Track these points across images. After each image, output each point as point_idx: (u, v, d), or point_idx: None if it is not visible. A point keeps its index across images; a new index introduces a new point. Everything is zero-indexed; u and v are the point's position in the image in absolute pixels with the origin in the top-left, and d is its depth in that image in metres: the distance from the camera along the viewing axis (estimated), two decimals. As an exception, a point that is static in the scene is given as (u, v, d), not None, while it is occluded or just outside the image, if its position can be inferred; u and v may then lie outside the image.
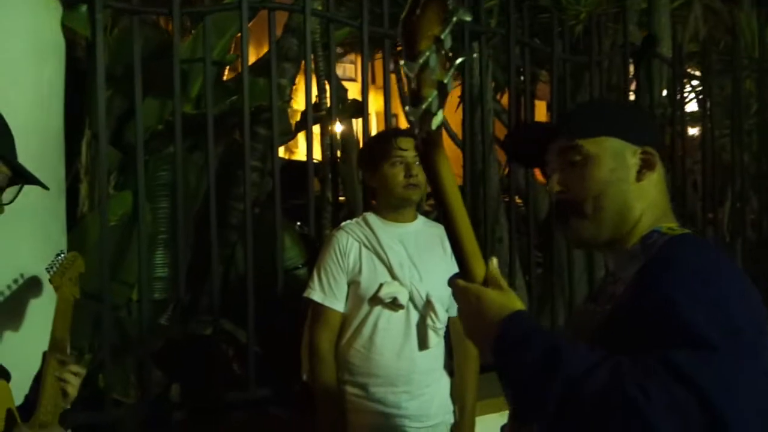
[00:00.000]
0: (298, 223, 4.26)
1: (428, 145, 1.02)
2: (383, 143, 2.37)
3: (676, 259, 1.12)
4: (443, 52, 0.95)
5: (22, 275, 2.17)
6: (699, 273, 1.08)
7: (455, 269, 2.53)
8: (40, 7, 2.36)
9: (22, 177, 1.30)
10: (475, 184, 3.32)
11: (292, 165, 6.05)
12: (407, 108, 0.96)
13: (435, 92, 0.95)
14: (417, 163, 2.30)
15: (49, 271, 1.86)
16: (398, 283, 2.30)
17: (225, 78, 3.84)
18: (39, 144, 2.36)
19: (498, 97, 4.46)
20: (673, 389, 0.95)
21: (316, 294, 2.33)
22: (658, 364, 0.98)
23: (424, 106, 0.95)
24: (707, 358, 0.97)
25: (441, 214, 1.09)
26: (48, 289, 2.01)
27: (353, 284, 2.32)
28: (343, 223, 2.45)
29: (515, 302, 1.10)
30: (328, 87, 3.26)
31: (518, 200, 3.90)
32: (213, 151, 2.68)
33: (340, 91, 4.26)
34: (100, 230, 2.47)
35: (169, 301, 3.27)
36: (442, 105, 0.98)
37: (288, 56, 3.25)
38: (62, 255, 1.96)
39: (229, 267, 3.30)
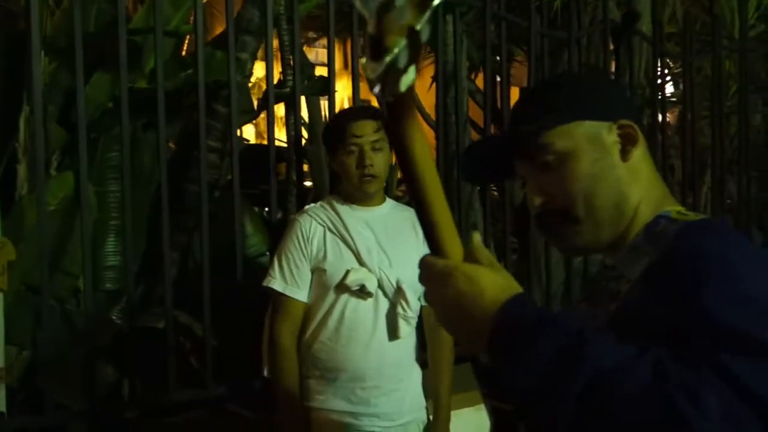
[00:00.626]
0: (266, 209, 4.07)
1: (396, 112, 0.82)
2: (337, 129, 2.21)
3: (704, 253, 0.92)
4: None
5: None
6: (737, 269, 0.89)
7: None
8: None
9: None
10: (448, 167, 3.15)
11: (255, 147, 5.81)
12: (364, 61, 0.75)
13: (404, 41, 0.75)
14: (375, 149, 2.14)
15: (-32, 261, 1.65)
16: (366, 269, 2.15)
17: (184, 53, 3.61)
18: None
19: (472, 76, 4.28)
20: (732, 402, 0.77)
21: (276, 283, 2.17)
22: (708, 370, 0.79)
23: (388, 59, 0.74)
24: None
25: (411, 192, 0.89)
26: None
27: (317, 271, 2.15)
28: (307, 207, 2.30)
29: (515, 283, 0.90)
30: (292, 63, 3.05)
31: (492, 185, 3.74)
32: (164, 129, 2.46)
33: (306, 69, 4.05)
34: (38, 215, 2.24)
35: (121, 292, 3.06)
36: (414, 59, 0.78)
37: (249, 29, 3.02)
38: None
39: (186, 255, 3.08)
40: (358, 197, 2.21)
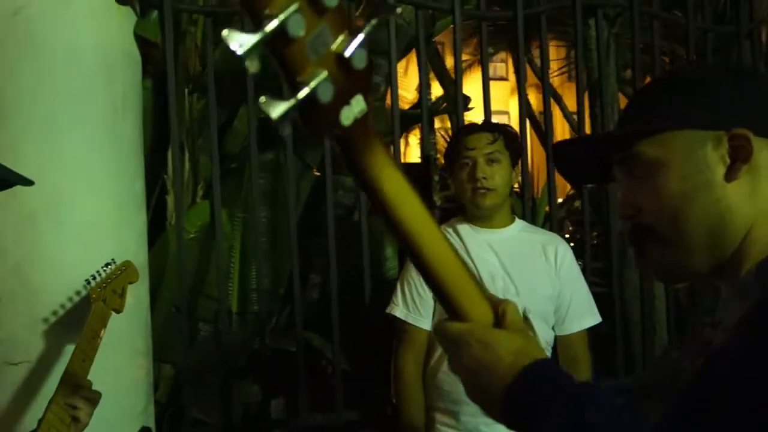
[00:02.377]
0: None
1: (348, 147, 0.71)
2: (454, 142, 2.12)
3: None
4: (324, 7, 0.64)
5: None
6: None
7: (560, 282, 2.18)
8: (111, 18, 2.32)
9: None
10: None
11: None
12: (263, 100, 0.64)
13: (323, 73, 0.64)
14: (490, 160, 2.03)
15: (89, 282, 1.77)
16: None
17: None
18: (115, 156, 2.33)
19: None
20: None
21: (398, 310, 2.13)
22: None
23: (299, 96, 0.64)
24: None
25: (399, 243, 0.78)
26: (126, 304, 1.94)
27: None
28: None
29: (536, 349, 0.79)
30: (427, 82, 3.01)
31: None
32: (292, 157, 2.53)
33: (450, 89, 3.99)
34: (177, 243, 2.39)
35: (270, 314, 3.18)
36: (354, 89, 0.67)
37: (381, 51, 3.03)
38: (110, 264, 1.87)
39: (327, 278, 3.13)
40: (478, 216, 2.10)
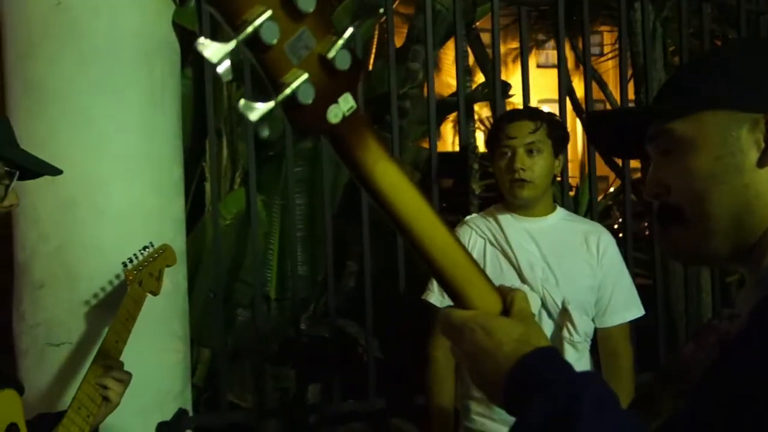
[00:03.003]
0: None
1: (339, 144, 0.71)
2: (494, 131, 2.05)
3: None
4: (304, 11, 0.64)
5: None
6: None
7: (602, 273, 2.09)
8: (150, 7, 2.35)
9: (23, 169, 1.19)
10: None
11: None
12: (242, 103, 0.65)
13: (304, 75, 0.65)
14: (530, 151, 1.95)
15: (126, 265, 1.81)
16: (528, 287, 1.97)
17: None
18: (153, 144, 2.37)
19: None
20: None
21: (433, 296, 2.08)
22: None
23: (279, 98, 0.64)
24: None
25: (399, 235, 0.77)
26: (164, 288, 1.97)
27: None
28: (468, 217, 2.16)
29: (538, 337, 0.77)
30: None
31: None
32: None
33: (490, 73, 3.93)
34: (213, 229, 2.42)
35: (308, 300, 3.20)
36: (339, 89, 0.67)
37: (420, 38, 3.00)
38: (148, 248, 1.90)
39: (363, 266, 3.14)
40: (518, 205, 2.04)
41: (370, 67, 3.47)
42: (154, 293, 1.84)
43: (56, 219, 2.22)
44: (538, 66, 15.41)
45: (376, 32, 3.74)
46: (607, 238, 2.07)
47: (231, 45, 0.61)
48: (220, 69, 0.61)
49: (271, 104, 0.64)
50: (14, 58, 2.28)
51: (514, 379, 0.73)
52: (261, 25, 0.61)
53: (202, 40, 0.61)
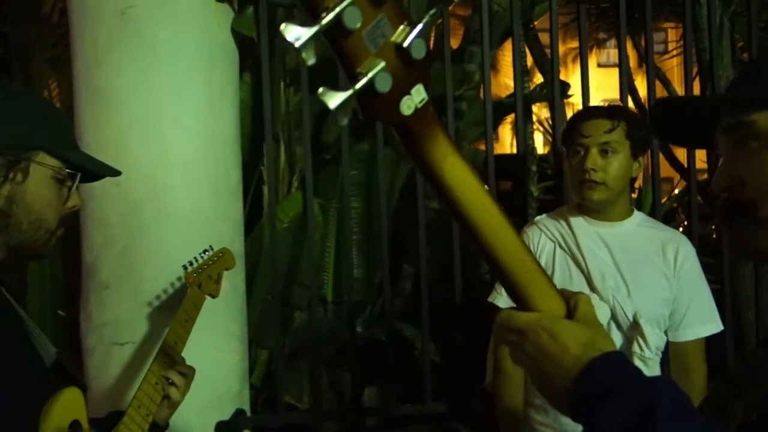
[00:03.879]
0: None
1: (408, 137, 0.71)
2: (569, 128, 1.94)
3: None
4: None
5: (191, 278, 2.22)
6: None
7: (679, 286, 1.97)
8: (210, 14, 2.41)
9: (84, 171, 1.23)
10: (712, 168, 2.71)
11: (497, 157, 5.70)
12: (321, 90, 0.65)
13: (380, 64, 0.65)
14: (604, 151, 1.84)
15: (186, 268, 1.85)
16: (597, 296, 1.86)
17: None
18: (212, 148, 2.42)
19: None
20: None
21: (501, 299, 1.98)
22: None
23: (357, 87, 0.64)
24: None
25: (463, 232, 0.77)
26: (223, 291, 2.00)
27: None
28: (537, 218, 2.06)
29: (605, 341, 0.75)
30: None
31: None
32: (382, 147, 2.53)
33: (550, 75, 3.86)
34: (270, 232, 2.46)
35: (364, 303, 3.21)
36: (414, 79, 0.67)
37: (476, 39, 2.97)
38: (208, 251, 1.94)
39: (419, 268, 3.13)
40: (590, 208, 1.92)
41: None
42: (213, 296, 1.88)
43: (122, 222, 2.30)
44: (599, 65, 15.05)
45: (433, 34, 3.73)
46: (686, 247, 1.93)
47: (314, 29, 0.62)
48: (304, 54, 0.62)
49: (350, 92, 0.63)
50: (82, 67, 2.36)
51: (582, 384, 0.72)
52: (344, 9, 0.61)
53: (284, 25, 0.61)
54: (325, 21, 0.62)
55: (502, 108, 3.48)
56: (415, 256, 3.18)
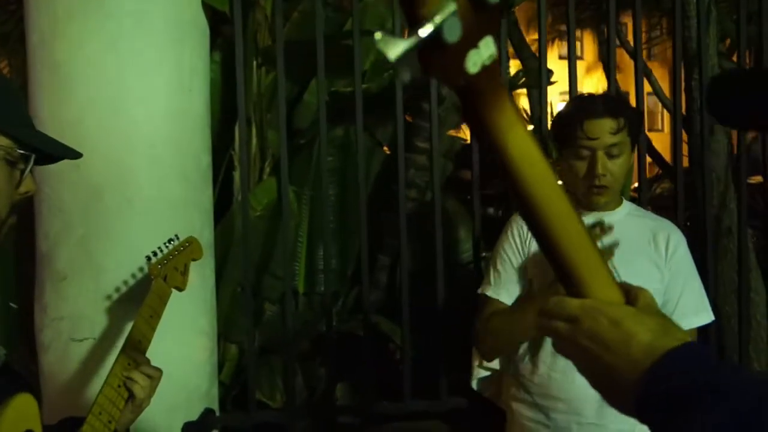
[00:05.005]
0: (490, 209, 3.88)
1: (471, 100, 0.62)
2: (568, 125, 1.82)
3: None
4: None
5: (157, 267, 2.06)
6: None
7: (670, 274, 1.91)
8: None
9: (39, 152, 1.08)
10: (694, 159, 2.66)
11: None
12: (379, 36, 0.55)
13: (451, 6, 0.55)
14: (611, 155, 1.77)
15: (150, 259, 1.70)
16: None
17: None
18: (180, 129, 2.26)
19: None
20: None
21: (490, 290, 1.88)
22: None
23: (420, 34, 0.54)
24: None
25: (518, 207, 0.70)
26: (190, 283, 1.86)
27: (535, 281, 1.86)
28: None
29: (680, 330, 0.67)
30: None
31: (756, 179, 3.12)
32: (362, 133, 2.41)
33: (529, 61, 3.78)
34: (242, 220, 2.31)
35: (337, 294, 3.09)
36: (483, 29, 0.58)
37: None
38: (174, 241, 1.79)
39: (397, 260, 3.01)
40: (584, 204, 1.86)
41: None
42: (180, 289, 1.74)
43: (81, 208, 2.13)
44: (560, 57, 15.13)
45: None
46: (677, 236, 1.89)
47: (412, 42, 0.53)
48: (404, 73, 0.54)
49: (414, 39, 0.54)
50: (38, 40, 2.18)
51: (657, 379, 0.61)
52: None
53: (379, 35, 0.53)
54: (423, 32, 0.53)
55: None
56: (390, 247, 3.07)
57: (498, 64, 0.61)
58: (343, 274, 3.08)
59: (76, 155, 1.15)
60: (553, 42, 10.82)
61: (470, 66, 0.59)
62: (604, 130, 1.77)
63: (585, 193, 1.81)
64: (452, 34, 0.55)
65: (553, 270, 0.72)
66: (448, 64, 0.57)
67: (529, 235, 1.88)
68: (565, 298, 0.70)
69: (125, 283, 2.04)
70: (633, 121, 1.83)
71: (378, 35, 0.54)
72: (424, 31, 0.54)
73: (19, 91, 1.07)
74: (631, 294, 0.70)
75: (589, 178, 1.78)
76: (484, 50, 0.59)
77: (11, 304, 2.56)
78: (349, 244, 3.01)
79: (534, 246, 1.88)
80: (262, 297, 2.74)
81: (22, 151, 1.07)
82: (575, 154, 1.80)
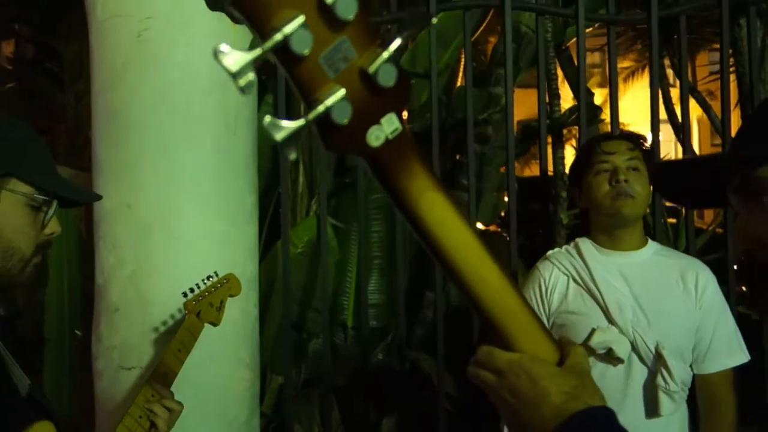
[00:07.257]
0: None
1: (380, 169, 0.65)
2: (586, 151, 1.92)
3: None
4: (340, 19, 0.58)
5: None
6: None
7: (701, 314, 1.91)
8: (227, 37, 2.38)
9: (58, 197, 1.19)
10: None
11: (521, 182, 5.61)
12: (268, 119, 0.60)
13: (340, 91, 0.59)
14: (630, 168, 1.83)
15: (186, 295, 1.80)
16: (616, 329, 1.79)
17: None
18: (225, 170, 2.39)
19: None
20: None
21: None
22: None
23: (309, 117, 0.59)
24: None
25: (444, 274, 0.72)
26: (227, 317, 1.95)
27: (557, 327, 1.87)
28: (550, 252, 2.01)
29: (591, 394, 0.70)
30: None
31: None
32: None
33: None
34: (283, 256, 2.41)
35: (386, 329, 3.13)
36: (397, 107, 0.62)
37: (503, 62, 2.89)
38: (212, 277, 1.89)
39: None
40: (613, 230, 1.86)
41: (454, 92, 3.39)
42: (214, 324, 1.83)
43: (132, 244, 2.28)
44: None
45: (462, 56, 3.67)
46: (706, 274, 1.87)
47: (254, 54, 0.57)
48: (242, 81, 0.57)
49: (300, 122, 0.58)
50: (99, 89, 2.37)
51: None
52: (292, 33, 0.56)
53: (222, 47, 0.57)
54: (267, 45, 0.58)
55: (532, 131, 3.38)
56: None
57: (404, 135, 0.63)
58: (393, 310, 3.12)
59: (95, 198, 1.26)
60: (643, 70, 10.59)
61: (372, 140, 0.61)
62: (621, 147, 1.84)
63: (610, 206, 1.82)
64: (342, 117, 0.58)
65: (484, 325, 0.75)
66: (348, 140, 0.61)
67: (551, 280, 1.89)
68: (494, 350, 0.73)
69: (172, 316, 2.16)
70: (646, 152, 1.89)
71: (267, 118, 0.59)
72: (312, 114, 0.58)
73: (42, 139, 1.19)
74: (564, 351, 0.72)
75: (614, 184, 1.81)
76: (387, 126, 0.62)
77: (76, 331, 2.74)
78: (397, 280, 3.05)
79: (557, 292, 1.89)
80: (307, 331, 2.82)
81: (43, 197, 1.19)
82: (596, 171, 1.85)
